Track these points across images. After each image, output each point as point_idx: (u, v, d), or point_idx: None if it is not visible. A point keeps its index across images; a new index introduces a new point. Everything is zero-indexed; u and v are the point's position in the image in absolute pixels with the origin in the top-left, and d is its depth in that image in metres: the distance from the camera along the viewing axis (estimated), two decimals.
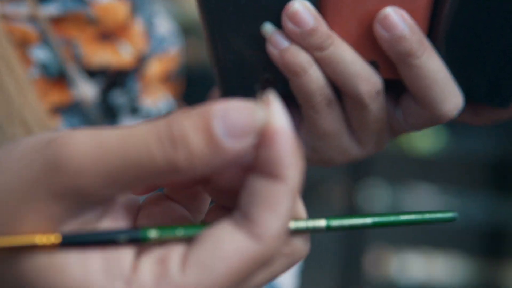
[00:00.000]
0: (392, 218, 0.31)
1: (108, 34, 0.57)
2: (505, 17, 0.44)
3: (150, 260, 0.27)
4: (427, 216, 0.32)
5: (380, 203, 2.08)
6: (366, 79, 0.44)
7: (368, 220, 0.31)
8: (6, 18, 0.51)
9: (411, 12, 0.44)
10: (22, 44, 0.52)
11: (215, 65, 0.46)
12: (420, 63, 0.44)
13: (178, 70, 0.66)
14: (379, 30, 0.44)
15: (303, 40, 0.43)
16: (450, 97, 0.45)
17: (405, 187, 2.09)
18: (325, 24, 0.44)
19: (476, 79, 0.46)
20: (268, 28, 0.44)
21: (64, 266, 0.27)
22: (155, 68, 0.62)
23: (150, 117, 0.62)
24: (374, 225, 0.31)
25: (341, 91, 0.45)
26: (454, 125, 1.31)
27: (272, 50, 0.44)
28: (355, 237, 2.06)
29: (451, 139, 2.03)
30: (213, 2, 0.44)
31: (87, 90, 0.56)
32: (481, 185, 2.06)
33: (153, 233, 0.28)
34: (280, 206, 0.27)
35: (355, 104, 0.45)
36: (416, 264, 2.10)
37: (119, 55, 0.58)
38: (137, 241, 0.28)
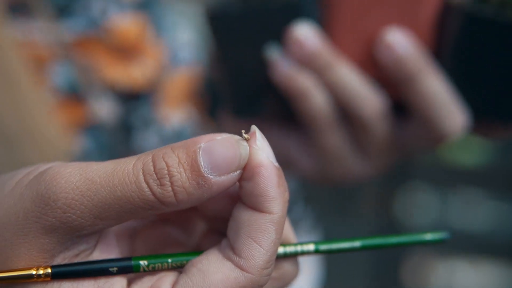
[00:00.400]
0: (381, 241, 0.32)
1: (124, 54, 0.58)
2: (507, 37, 0.44)
3: None
4: (417, 237, 0.32)
5: (421, 211, 2.06)
6: (369, 101, 0.45)
7: (356, 244, 0.31)
8: (23, 40, 0.53)
9: (414, 30, 0.44)
10: (39, 65, 0.54)
11: (224, 86, 0.48)
12: (420, 85, 0.44)
13: (202, 84, 0.67)
14: (379, 53, 0.44)
15: (306, 63, 0.44)
16: (452, 116, 0.45)
17: (448, 195, 2.06)
18: (329, 47, 0.44)
19: (482, 94, 0.47)
20: (271, 52, 0.45)
21: None
22: (175, 82, 0.63)
23: (166, 133, 0.63)
24: (363, 248, 0.31)
25: (345, 112, 0.46)
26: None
27: (274, 74, 0.45)
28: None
29: (497, 149, 2.00)
30: (220, 24, 0.45)
31: (103, 108, 0.57)
32: None
33: (143, 263, 0.29)
34: (266, 239, 0.28)
35: (359, 125, 0.46)
36: (460, 274, 2.07)
37: (135, 74, 0.59)
38: (128, 270, 0.29)
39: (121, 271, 0.29)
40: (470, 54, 0.45)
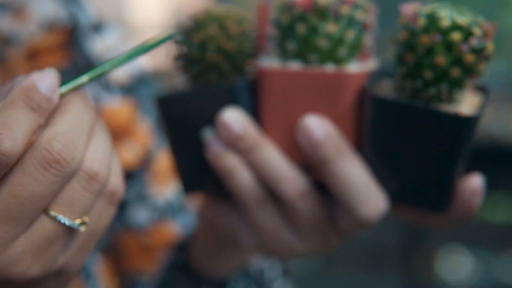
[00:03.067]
0: (123, 57, 0.36)
1: (115, 137, 0.64)
2: (421, 129, 0.45)
3: None
4: (148, 44, 0.36)
5: (462, 272, 2.01)
6: (291, 181, 0.47)
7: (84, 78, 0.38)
8: None
9: (335, 119, 0.47)
10: None
11: (174, 166, 0.52)
12: (336, 168, 0.46)
13: None
14: (298, 137, 0.48)
15: (232, 145, 0.48)
16: (369, 201, 0.46)
17: (488, 256, 2.03)
18: (254, 131, 0.48)
19: (404, 182, 0.47)
20: (205, 134, 0.50)
21: None
22: (164, 160, 0.68)
23: (159, 205, 0.67)
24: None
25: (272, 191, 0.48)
26: None
27: (207, 154, 0.49)
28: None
29: None
30: (166, 107, 0.51)
31: None
32: None
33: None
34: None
35: (286, 204, 0.48)
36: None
37: (126, 155, 0.64)
38: None
39: None
40: (387, 140, 0.46)
